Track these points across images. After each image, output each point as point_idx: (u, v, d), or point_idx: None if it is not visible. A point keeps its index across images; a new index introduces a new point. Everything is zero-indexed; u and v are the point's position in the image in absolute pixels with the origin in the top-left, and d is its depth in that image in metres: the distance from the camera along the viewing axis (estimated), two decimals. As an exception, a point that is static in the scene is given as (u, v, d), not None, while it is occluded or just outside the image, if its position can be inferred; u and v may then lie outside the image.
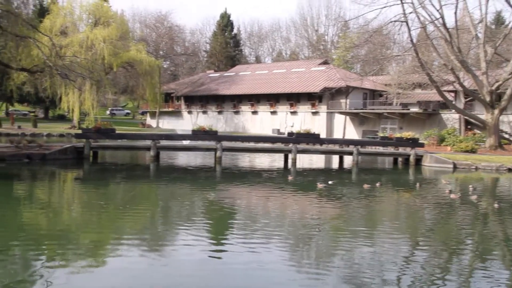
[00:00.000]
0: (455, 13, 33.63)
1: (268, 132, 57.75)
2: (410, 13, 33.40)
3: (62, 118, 67.00)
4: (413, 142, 27.90)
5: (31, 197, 14.82)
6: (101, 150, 26.19)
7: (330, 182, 18.02)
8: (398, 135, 29.27)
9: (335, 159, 29.83)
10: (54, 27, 45.53)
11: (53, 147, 24.39)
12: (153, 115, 71.07)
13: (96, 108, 49.31)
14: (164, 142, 26.05)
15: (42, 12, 53.45)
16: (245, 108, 63.74)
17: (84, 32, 49.13)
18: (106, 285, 7.12)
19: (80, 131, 27.99)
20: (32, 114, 68.60)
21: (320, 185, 17.18)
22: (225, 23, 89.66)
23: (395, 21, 33.55)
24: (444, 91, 39.60)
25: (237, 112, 64.69)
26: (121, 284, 7.15)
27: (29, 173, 19.80)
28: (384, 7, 32.50)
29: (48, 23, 45.27)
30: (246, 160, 29.24)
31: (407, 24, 33.49)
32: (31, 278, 7.28)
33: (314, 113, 56.53)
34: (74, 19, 51.31)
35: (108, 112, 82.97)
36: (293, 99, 58.65)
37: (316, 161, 30.11)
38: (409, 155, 27.88)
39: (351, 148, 27.55)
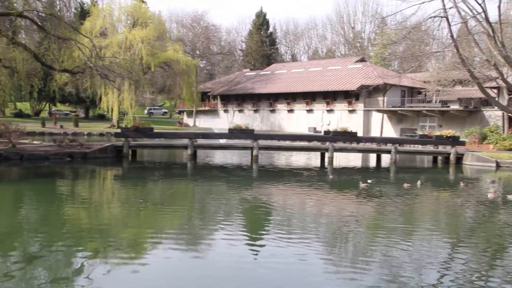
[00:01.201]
0: (499, 6, 32.53)
1: (304, 130, 57.47)
2: (451, 8, 32.48)
3: (101, 118, 68.52)
4: (454, 140, 27.22)
5: (73, 194, 15.23)
6: (140, 148, 26.63)
7: (369, 181, 17.76)
8: (437, 133, 28.63)
9: (373, 157, 29.41)
10: (94, 29, 46.64)
11: (94, 146, 24.97)
12: (190, 114, 71.88)
13: (135, 108, 50.24)
14: (201, 141, 26.29)
15: (83, 14, 54.77)
16: (281, 107, 63.63)
17: (123, 33, 50.13)
18: (144, 281, 7.22)
19: (119, 130, 28.58)
20: (74, 113, 70.42)
21: (362, 185, 16.93)
22: (261, 21, 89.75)
23: (434, 16, 32.72)
24: (486, 87, 38.44)
25: (273, 111, 64.66)
26: (160, 280, 7.24)
27: (71, 171, 20.35)
28: (423, 2, 31.60)
29: (88, 25, 46.41)
30: (282, 159, 29.19)
31: (447, 20, 32.62)
32: (73, 274, 7.46)
33: (351, 111, 55.91)
34: (113, 20, 52.40)
35: (146, 111, 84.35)
36: (330, 97, 58.16)
37: (352, 159, 29.77)
38: (449, 154, 27.22)
39: (389, 146, 27.10)
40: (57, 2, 22.85)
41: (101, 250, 8.68)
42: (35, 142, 27.85)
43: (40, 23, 22.33)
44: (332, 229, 10.94)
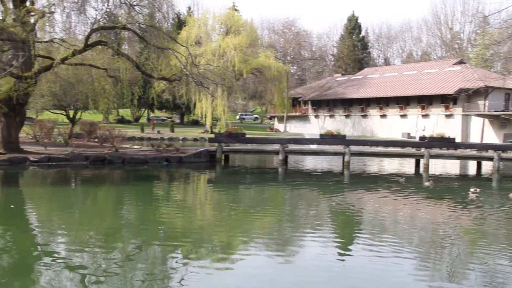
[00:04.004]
0: None
1: (397, 136, 55.67)
2: None
3: (196, 123, 71.03)
4: None
5: (169, 197, 15.91)
6: (232, 153, 27.20)
7: (472, 190, 16.68)
8: (547, 139, 26.41)
9: (472, 165, 27.76)
10: (190, 38, 48.57)
11: (188, 150, 25.93)
12: (280, 119, 72.36)
13: (227, 113, 51.59)
14: (292, 146, 26.34)
15: (180, 24, 57.32)
16: (373, 112, 62.14)
17: (216, 41, 51.75)
18: (234, 283, 7.34)
19: (212, 136, 29.41)
20: (170, 119, 73.67)
21: (471, 194, 15.96)
22: (353, 25, 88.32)
23: (543, 13, 30.28)
24: None
25: (365, 116, 63.32)
26: (249, 283, 7.33)
27: (168, 174, 21.28)
28: (531, -2, 29.40)
29: (184, 34, 48.43)
30: (374, 165, 28.46)
31: (559, 16, 30.04)
32: (167, 273, 7.79)
33: (448, 116, 53.29)
34: (208, 29, 54.22)
35: (237, 117, 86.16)
36: (425, 101, 55.87)
37: (449, 167, 28.28)
38: (561, 162, 24.99)
39: (491, 153, 25.41)
40: (156, 14, 24.02)
41: (194, 251, 8.97)
42: (135, 146, 29.51)
43: (141, 34, 23.64)
44: (427, 238, 10.45)
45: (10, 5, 21.60)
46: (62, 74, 25.33)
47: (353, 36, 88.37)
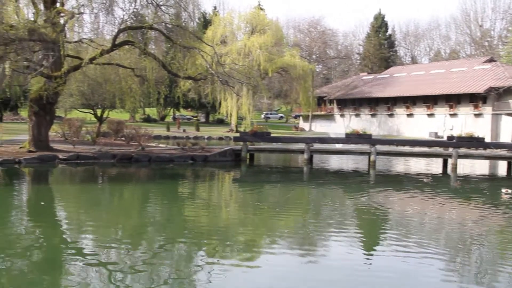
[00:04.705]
0: None
1: (424, 135, 54.87)
2: None
3: (221, 122, 71.31)
4: None
5: (194, 195, 16.04)
6: (257, 152, 27.18)
7: (504, 191, 16.30)
8: None
9: (502, 165, 27.15)
10: (215, 37, 48.74)
11: (214, 149, 26.05)
12: (305, 118, 72.11)
13: (252, 112, 51.62)
14: (317, 145, 26.20)
15: (205, 23, 57.63)
16: (400, 111, 61.37)
17: (242, 40, 51.83)
18: (258, 281, 7.36)
19: (237, 135, 29.46)
20: (195, 118, 74.05)
21: (504, 196, 15.63)
22: (379, 24, 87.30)
23: None
24: None
25: (391, 115, 62.60)
26: (273, 281, 7.32)
27: (193, 173, 21.44)
28: None
29: (210, 34, 48.66)
30: (400, 165, 28.12)
31: None
32: (192, 271, 7.86)
33: (477, 115, 52.24)
34: (233, 28, 54.32)
35: (262, 116, 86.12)
36: (453, 100, 54.88)
37: (478, 167, 27.72)
38: None
39: (522, 153, 24.80)
40: (183, 14, 24.22)
41: (218, 249, 9.02)
42: (161, 145, 29.79)
43: (167, 34, 23.87)
44: (456, 238, 10.28)
45: (41, 7, 22.08)
46: (90, 73, 25.77)
47: (380, 35, 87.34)
